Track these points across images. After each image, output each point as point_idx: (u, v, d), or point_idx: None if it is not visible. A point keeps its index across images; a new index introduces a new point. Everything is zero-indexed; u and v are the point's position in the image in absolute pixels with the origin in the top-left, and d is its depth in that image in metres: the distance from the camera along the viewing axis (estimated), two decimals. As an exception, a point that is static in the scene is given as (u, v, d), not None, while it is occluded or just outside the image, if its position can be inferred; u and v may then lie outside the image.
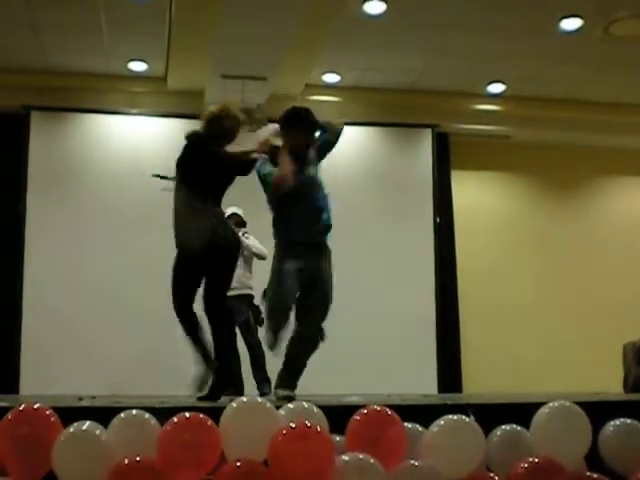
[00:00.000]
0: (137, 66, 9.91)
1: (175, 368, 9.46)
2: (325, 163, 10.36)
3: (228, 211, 8.33)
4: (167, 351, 9.57)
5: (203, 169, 5.47)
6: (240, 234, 8.17)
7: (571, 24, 8.85)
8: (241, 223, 8.34)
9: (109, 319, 9.62)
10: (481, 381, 10.44)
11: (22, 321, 9.59)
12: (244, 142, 6.00)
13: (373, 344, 9.82)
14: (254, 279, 8.32)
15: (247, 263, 8.31)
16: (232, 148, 5.69)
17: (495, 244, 11.29)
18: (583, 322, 11.19)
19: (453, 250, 10.99)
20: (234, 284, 8.15)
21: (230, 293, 8.15)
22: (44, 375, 9.25)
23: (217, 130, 5.63)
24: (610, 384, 8.92)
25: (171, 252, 9.65)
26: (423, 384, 9.66)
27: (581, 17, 8.72)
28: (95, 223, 9.88)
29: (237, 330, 8.31)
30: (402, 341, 9.99)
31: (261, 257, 8.21)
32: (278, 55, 8.77)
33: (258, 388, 8.04)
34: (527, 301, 11.08)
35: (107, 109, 10.22)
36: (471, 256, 11.09)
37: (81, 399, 5.13)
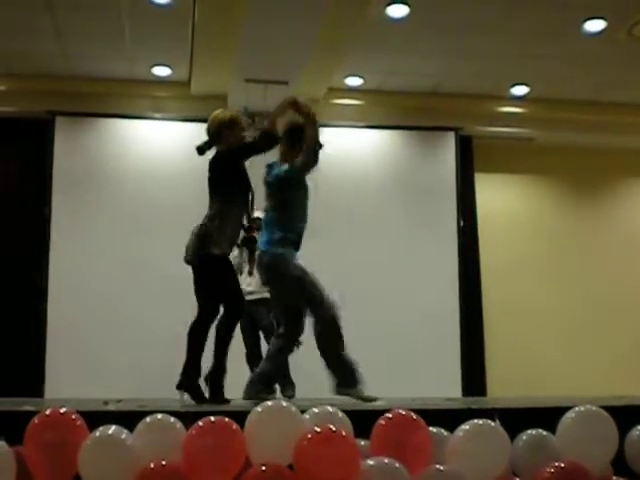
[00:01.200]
0: (160, 71, 9.95)
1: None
2: (348, 167, 10.40)
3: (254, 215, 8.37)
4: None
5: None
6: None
7: (594, 26, 8.81)
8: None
9: (130, 323, 9.65)
10: (505, 380, 10.44)
11: (47, 325, 9.64)
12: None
13: (399, 345, 9.84)
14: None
15: None
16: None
17: (519, 247, 11.24)
18: (606, 323, 11.14)
19: (477, 253, 10.96)
20: (255, 288, 8.24)
21: (252, 297, 8.23)
22: (68, 380, 9.29)
23: (234, 142, 5.69)
24: (632, 386, 8.89)
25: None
26: (447, 384, 9.67)
27: (604, 19, 8.67)
28: (118, 228, 9.93)
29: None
30: (427, 343, 9.99)
31: None
32: (301, 59, 8.79)
33: (282, 391, 8.06)
34: (550, 303, 11.05)
35: (131, 114, 10.27)
36: (495, 259, 11.05)
37: (106, 403, 5.14)
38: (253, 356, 8.27)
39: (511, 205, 11.50)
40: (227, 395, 5.56)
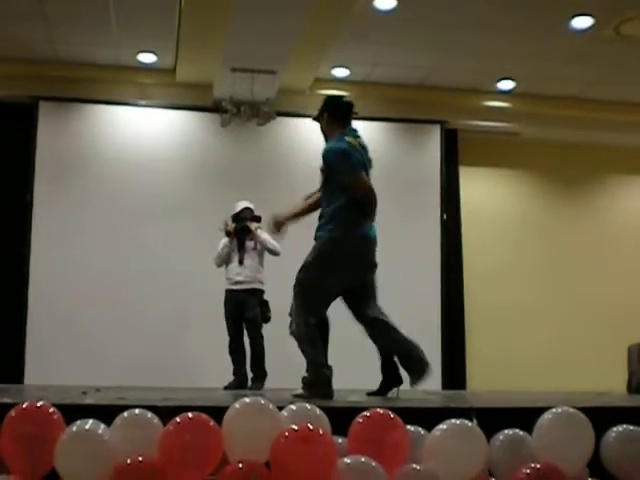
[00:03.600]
0: (146, 58, 9.91)
1: (185, 358, 9.59)
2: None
3: (240, 206, 8.38)
4: (175, 341, 9.66)
5: None
6: (254, 228, 8.22)
7: (582, 23, 8.84)
8: (256, 218, 8.33)
9: (114, 310, 9.69)
10: (485, 378, 10.46)
11: (27, 310, 9.64)
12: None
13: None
14: (265, 274, 8.37)
15: (260, 257, 8.32)
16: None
17: (502, 241, 11.28)
18: (589, 322, 11.19)
19: (460, 247, 10.99)
20: (245, 278, 8.24)
21: (241, 287, 8.24)
22: (48, 366, 9.30)
23: None
24: (614, 385, 8.93)
25: (178, 244, 9.75)
26: (427, 382, 9.65)
27: (592, 16, 8.70)
28: (102, 213, 9.93)
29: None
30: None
31: (275, 253, 8.23)
32: (288, 49, 8.77)
33: (252, 380, 8.09)
34: (533, 299, 11.09)
35: (115, 100, 10.25)
36: (478, 253, 11.08)
37: (85, 393, 5.13)
38: (236, 345, 8.27)
39: (495, 199, 11.53)
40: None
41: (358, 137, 5.49)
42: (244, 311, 8.23)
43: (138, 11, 8.66)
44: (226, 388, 7.97)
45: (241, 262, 8.25)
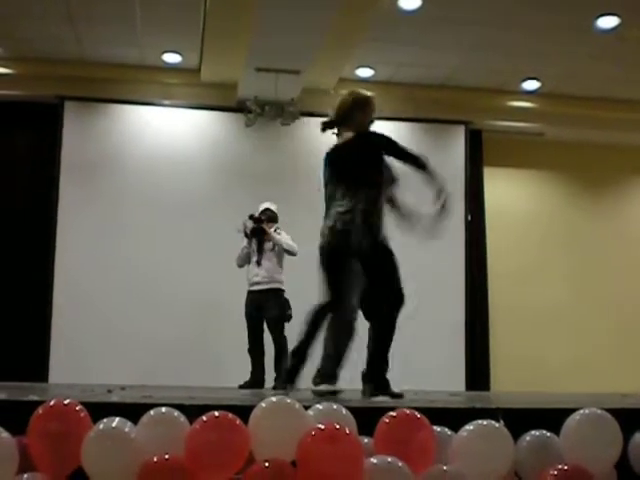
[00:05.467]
0: (171, 58, 9.96)
1: (208, 355, 9.62)
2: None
3: (262, 206, 8.42)
4: (199, 339, 9.69)
5: None
6: (272, 229, 8.25)
7: (607, 22, 8.81)
8: (273, 218, 8.39)
9: (140, 308, 9.75)
10: (510, 381, 10.41)
11: (53, 309, 9.71)
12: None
13: (403, 341, 9.79)
14: (285, 274, 8.39)
15: (279, 257, 8.34)
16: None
17: (526, 242, 11.23)
18: (614, 323, 11.12)
19: (484, 248, 10.95)
20: (262, 278, 8.26)
21: (259, 287, 8.26)
22: (74, 361, 9.38)
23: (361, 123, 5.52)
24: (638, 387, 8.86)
25: (203, 243, 9.78)
26: (451, 383, 9.64)
27: (617, 15, 8.66)
28: (127, 213, 9.99)
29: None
30: (432, 339, 9.97)
31: (292, 253, 8.28)
32: (312, 49, 8.78)
33: (275, 380, 8.09)
34: (558, 300, 11.03)
35: (140, 100, 10.30)
36: (502, 254, 11.03)
37: (110, 391, 5.15)
38: (255, 346, 8.31)
39: (519, 200, 11.49)
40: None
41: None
42: (264, 312, 8.26)
43: (163, 11, 8.69)
44: (241, 387, 8.00)
45: (259, 263, 8.29)
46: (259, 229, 8.31)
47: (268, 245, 8.30)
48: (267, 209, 8.48)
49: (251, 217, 8.39)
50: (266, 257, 8.30)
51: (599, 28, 8.89)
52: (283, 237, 8.29)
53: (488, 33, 9.06)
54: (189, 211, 9.98)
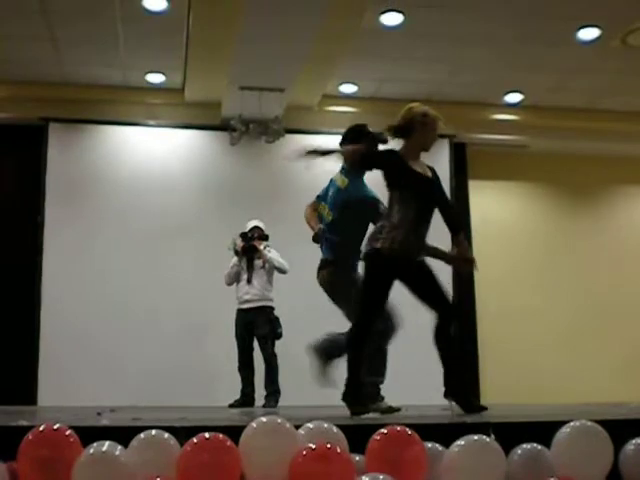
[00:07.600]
0: (155, 78, 9.96)
1: (197, 374, 9.57)
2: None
3: (250, 225, 8.43)
4: (188, 358, 9.65)
5: None
6: (262, 247, 8.25)
7: (589, 34, 8.85)
8: (263, 236, 8.40)
9: (128, 327, 9.70)
10: (498, 388, 10.41)
11: (40, 330, 9.68)
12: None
13: (390, 350, 9.80)
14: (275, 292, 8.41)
15: (269, 275, 8.36)
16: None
17: (512, 254, 11.26)
18: (600, 330, 11.14)
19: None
20: (253, 296, 8.27)
21: (249, 305, 8.27)
22: (63, 383, 9.33)
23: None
24: (627, 393, 8.89)
25: (189, 262, 9.77)
26: (439, 390, 9.61)
27: (599, 27, 8.71)
28: (112, 233, 9.96)
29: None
30: (420, 348, 9.91)
31: (283, 271, 8.31)
32: (295, 66, 8.80)
33: (265, 398, 8.09)
34: (544, 310, 11.06)
35: (125, 121, 10.28)
36: (488, 266, 10.99)
37: (99, 413, 5.13)
38: (245, 364, 8.30)
39: (505, 212, 11.52)
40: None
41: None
42: (254, 329, 8.26)
43: (146, 32, 8.70)
44: (231, 406, 7.99)
45: (249, 281, 8.30)
46: (251, 247, 8.32)
47: (258, 263, 8.32)
48: (256, 227, 8.49)
49: (244, 235, 8.39)
50: (256, 275, 8.31)
51: (580, 40, 8.94)
52: (273, 255, 8.32)
53: (470, 47, 9.09)
54: (175, 230, 9.97)
